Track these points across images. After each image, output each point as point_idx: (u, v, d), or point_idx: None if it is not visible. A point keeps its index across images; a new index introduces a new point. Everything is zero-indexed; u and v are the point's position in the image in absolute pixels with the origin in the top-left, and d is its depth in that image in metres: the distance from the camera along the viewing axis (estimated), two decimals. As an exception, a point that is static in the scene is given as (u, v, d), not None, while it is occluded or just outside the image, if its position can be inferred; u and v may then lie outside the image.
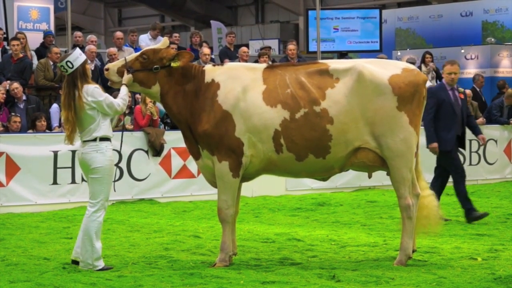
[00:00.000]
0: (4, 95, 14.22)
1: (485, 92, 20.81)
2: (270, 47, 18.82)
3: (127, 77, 8.14)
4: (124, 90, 8.11)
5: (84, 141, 8.09)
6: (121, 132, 9.01)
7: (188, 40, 19.95)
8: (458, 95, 11.66)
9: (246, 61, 16.64)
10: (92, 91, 7.98)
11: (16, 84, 14.40)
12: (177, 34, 18.49)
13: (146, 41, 17.56)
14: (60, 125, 14.42)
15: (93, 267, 7.97)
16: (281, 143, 8.10)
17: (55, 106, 14.70)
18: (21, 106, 14.48)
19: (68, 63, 7.96)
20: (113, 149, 8.23)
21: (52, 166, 13.32)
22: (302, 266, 8.16)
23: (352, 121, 8.07)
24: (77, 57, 8.03)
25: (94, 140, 8.03)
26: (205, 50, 16.58)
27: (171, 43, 17.51)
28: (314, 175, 8.49)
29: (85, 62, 8.10)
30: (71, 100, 7.98)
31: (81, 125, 8.07)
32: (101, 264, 8.04)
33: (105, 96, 8.02)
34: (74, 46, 16.95)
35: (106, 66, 8.41)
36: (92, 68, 15.88)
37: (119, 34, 17.07)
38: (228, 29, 26.71)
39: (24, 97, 14.55)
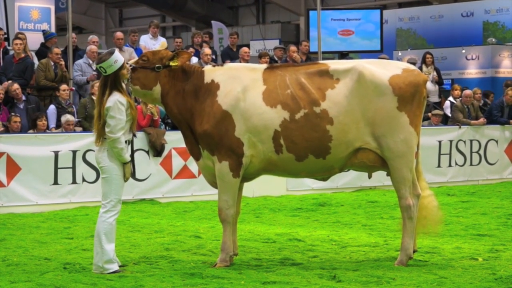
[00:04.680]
0: (2, 96, 14.25)
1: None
2: (284, 48, 18.79)
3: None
4: (127, 156, 7.90)
5: (102, 140, 7.92)
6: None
7: (190, 41, 19.96)
8: None
9: (247, 61, 16.64)
10: (113, 103, 7.74)
11: (16, 85, 14.43)
12: (179, 40, 18.54)
13: (146, 41, 17.58)
14: (56, 126, 14.44)
15: (103, 270, 7.79)
16: (281, 144, 8.10)
17: (52, 107, 14.72)
18: (21, 106, 14.51)
19: (101, 69, 7.81)
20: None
21: (53, 166, 13.33)
22: (303, 266, 8.17)
23: (353, 122, 8.07)
24: (111, 64, 7.77)
25: (106, 139, 7.90)
26: (206, 50, 16.59)
27: (188, 46, 17.58)
28: (314, 175, 8.49)
29: (120, 69, 7.82)
30: (99, 101, 7.86)
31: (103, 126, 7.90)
32: (113, 267, 7.83)
33: (116, 118, 7.74)
34: (75, 49, 16.99)
35: None
36: (94, 68, 15.95)
37: (119, 34, 17.06)
38: (229, 29, 26.72)
39: (23, 97, 14.58)
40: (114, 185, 7.87)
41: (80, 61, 16.00)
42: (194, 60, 16.00)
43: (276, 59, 17.84)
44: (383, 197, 14.32)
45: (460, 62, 25.25)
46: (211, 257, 8.77)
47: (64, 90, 14.76)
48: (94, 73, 15.45)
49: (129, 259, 8.60)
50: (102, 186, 7.96)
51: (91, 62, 15.98)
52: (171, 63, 8.24)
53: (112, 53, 7.87)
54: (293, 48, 17.79)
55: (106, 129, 7.79)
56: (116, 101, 7.77)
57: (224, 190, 8.23)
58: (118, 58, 7.84)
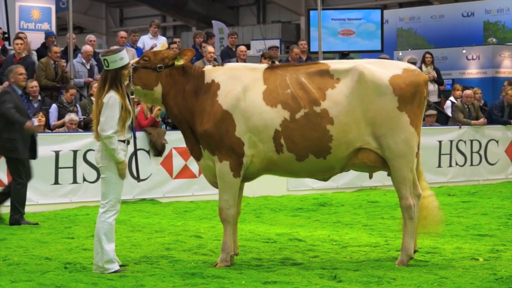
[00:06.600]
0: None
1: (487, 92, 20.83)
2: (277, 47, 18.79)
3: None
4: (120, 156, 7.82)
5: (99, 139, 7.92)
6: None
7: (191, 40, 19.98)
8: None
9: (244, 60, 16.62)
10: (108, 98, 7.72)
11: (35, 82, 14.41)
12: (177, 39, 18.56)
13: (146, 41, 17.62)
14: (54, 126, 14.44)
15: (104, 270, 7.78)
16: (282, 143, 8.10)
17: (54, 106, 14.73)
18: (35, 105, 14.49)
19: (105, 61, 7.77)
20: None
21: (54, 166, 13.32)
22: (303, 266, 8.17)
23: (353, 122, 8.07)
24: (115, 60, 7.74)
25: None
26: (209, 48, 16.58)
27: (171, 43, 17.61)
28: (314, 175, 8.50)
29: (122, 68, 7.78)
30: (98, 94, 7.83)
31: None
32: (113, 267, 7.82)
33: (107, 115, 7.70)
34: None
35: None
36: (88, 67, 15.99)
37: (123, 33, 17.26)
38: (230, 29, 26.74)
39: (39, 97, 14.57)
40: (113, 185, 7.84)
41: (73, 61, 16.01)
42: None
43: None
44: (383, 197, 14.32)
45: (460, 62, 25.24)
46: (212, 257, 8.77)
47: (72, 95, 14.74)
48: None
49: (129, 259, 8.61)
50: (101, 186, 7.94)
51: (84, 61, 16.06)
52: (176, 62, 8.24)
53: (120, 50, 7.87)
54: (296, 50, 17.79)
55: (99, 127, 7.77)
56: (111, 97, 7.75)
57: (225, 190, 8.23)
58: (124, 57, 7.83)
